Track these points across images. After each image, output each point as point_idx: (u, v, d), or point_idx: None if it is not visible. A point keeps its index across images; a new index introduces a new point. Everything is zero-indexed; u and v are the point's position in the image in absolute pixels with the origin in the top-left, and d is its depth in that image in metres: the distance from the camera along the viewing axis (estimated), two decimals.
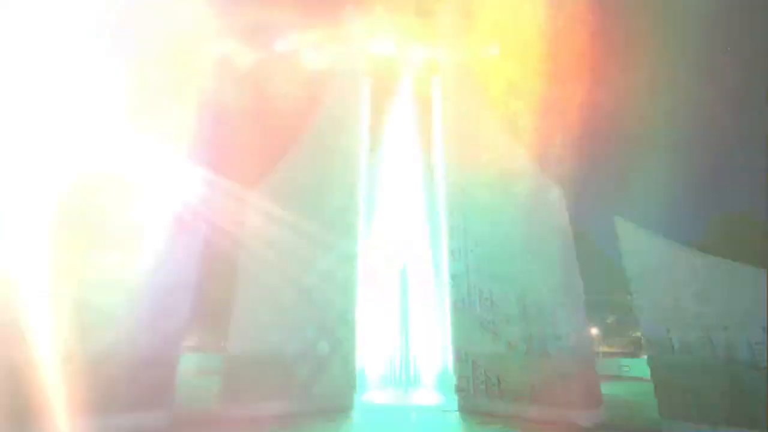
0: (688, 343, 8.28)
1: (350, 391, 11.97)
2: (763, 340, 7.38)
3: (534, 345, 10.57)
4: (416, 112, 20.69)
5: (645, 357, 8.91)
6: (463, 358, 12.16)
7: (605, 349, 34.71)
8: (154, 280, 9.40)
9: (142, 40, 11.77)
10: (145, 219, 9.69)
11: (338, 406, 11.42)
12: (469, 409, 11.34)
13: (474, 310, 12.32)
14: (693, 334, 8.26)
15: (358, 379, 12.58)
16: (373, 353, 15.47)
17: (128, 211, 9.34)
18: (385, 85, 20.98)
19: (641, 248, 9.48)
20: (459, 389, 11.95)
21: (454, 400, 12.12)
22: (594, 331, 30.82)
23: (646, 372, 9.00)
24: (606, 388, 14.63)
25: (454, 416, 10.76)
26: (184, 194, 11.44)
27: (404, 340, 14.39)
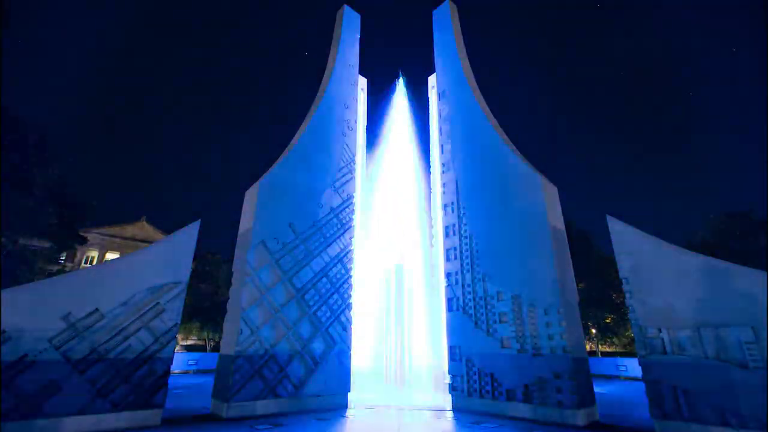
0: (679, 342, 8.25)
1: (344, 390, 12.00)
2: (753, 340, 7.34)
3: (527, 344, 10.57)
4: (412, 110, 20.68)
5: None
6: (457, 358, 12.18)
7: (603, 348, 34.67)
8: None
9: None
10: None
11: (332, 405, 11.45)
12: (463, 409, 11.35)
13: (468, 309, 12.33)
14: (684, 333, 8.22)
15: (351, 379, 12.58)
16: (367, 352, 15.45)
17: None
18: (382, 84, 20.97)
19: (632, 247, 9.46)
20: (453, 389, 11.96)
21: (448, 400, 12.14)
22: (592, 330, 30.78)
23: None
24: (601, 388, 14.64)
25: (449, 416, 10.74)
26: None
27: (398, 339, 14.36)
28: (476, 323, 11.98)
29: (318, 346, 11.88)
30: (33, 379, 7.65)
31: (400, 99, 20.93)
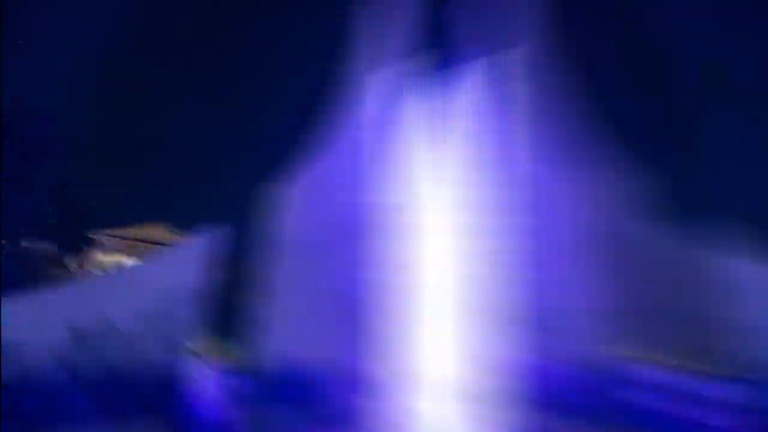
0: None
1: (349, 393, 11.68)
2: None
3: (546, 353, 10.15)
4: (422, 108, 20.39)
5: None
6: (473, 362, 11.79)
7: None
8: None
9: None
10: None
11: (337, 407, 11.19)
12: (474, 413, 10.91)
13: (484, 313, 11.96)
14: None
15: (359, 382, 12.30)
16: (376, 355, 15.22)
17: None
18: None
19: None
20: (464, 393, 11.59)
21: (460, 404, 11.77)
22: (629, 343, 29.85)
23: None
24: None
25: (455, 418, 10.43)
26: None
27: (409, 342, 14.10)
28: (492, 327, 11.62)
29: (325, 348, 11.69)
30: (36, 393, 7.39)
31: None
